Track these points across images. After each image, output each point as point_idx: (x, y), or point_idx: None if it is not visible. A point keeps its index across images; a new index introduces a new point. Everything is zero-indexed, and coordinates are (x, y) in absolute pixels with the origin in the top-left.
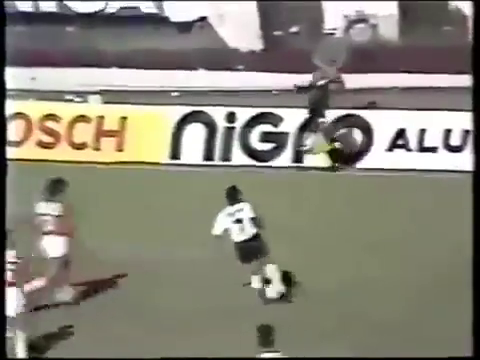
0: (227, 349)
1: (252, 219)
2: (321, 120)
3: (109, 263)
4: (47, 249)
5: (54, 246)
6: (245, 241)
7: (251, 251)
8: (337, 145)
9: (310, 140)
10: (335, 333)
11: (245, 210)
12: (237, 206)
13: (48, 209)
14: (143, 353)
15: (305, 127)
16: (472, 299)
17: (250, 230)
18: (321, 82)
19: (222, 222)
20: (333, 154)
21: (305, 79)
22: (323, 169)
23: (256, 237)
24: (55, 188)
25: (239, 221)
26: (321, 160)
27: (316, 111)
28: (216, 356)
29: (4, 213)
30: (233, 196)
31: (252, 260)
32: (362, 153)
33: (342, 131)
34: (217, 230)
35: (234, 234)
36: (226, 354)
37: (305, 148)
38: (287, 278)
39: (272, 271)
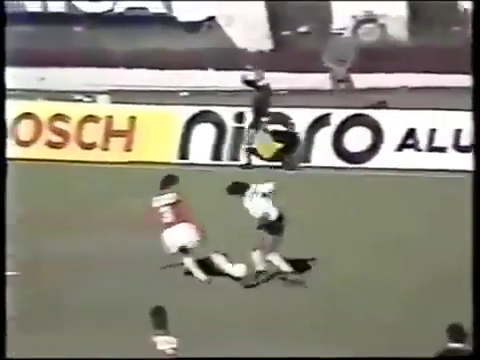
0: (227, 348)
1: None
2: (264, 119)
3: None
4: (171, 241)
5: (179, 235)
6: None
7: (279, 228)
8: (278, 145)
9: (254, 139)
10: (336, 330)
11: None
12: (252, 188)
13: (164, 200)
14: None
15: (253, 125)
16: (472, 299)
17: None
18: (262, 82)
19: (258, 205)
20: (277, 153)
21: (250, 74)
22: (270, 168)
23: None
24: (168, 182)
25: (265, 195)
26: (265, 158)
27: (259, 110)
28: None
29: (4, 213)
30: (237, 190)
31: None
32: (371, 153)
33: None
34: (256, 213)
35: (272, 213)
36: (227, 354)
37: (250, 147)
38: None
39: (277, 260)
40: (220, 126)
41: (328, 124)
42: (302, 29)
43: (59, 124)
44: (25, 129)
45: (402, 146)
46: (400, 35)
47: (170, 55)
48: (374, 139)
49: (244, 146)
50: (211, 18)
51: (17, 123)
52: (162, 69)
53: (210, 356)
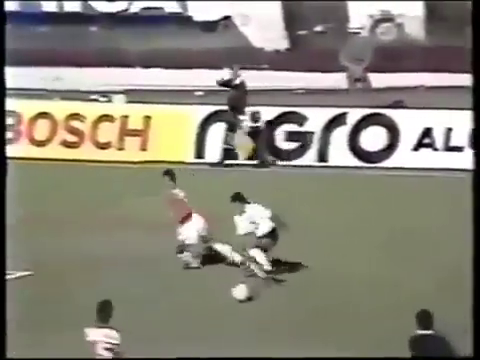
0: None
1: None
2: (241, 118)
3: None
4: (189, 232)
5: (197, 227)
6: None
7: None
8: (252, 144)
9: (232, 138)
10: (342, 329)
11: (258, 211)
12: (249, 207)
13: (181, 193)
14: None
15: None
16: (472, 300)
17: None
18: (237, 81)
19: (243, 225)
20: (254, 152)
21: (225, 75)
22: (250, 166)
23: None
24: (172, 176)
25: (253, 223)
26: (243, 158)
27: (235, 109)
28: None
29: (4, 213)
30: (240, 200)
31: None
32: (388, 152)
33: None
34: (241, 230)
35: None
36: (224, 354)
37: (228, 146)
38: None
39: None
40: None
41: (344, 123)
42: (318, 28)
43: (74, 124)
44: (41, 129)
45: (419, 145)
46: (417, 34)
47: (185, 55)
48: (391, 138)
49: (222, 145)
50: (227, 17)
51: (33, 123)
52: (177, 68)
53: (210, 356)
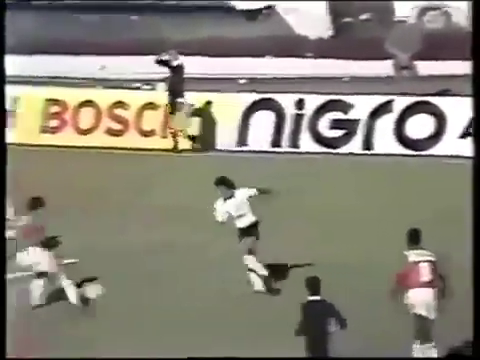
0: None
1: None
2: (179, 100)
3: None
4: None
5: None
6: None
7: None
8: (190, 129)
9: (171, 121)
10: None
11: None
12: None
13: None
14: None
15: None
16: (472, 299)
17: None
18: (175, 63)
19: (222, 209)
20: (191, 137)
21: (165, 54)
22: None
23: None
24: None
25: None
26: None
27: (174, 92)
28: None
29: (4, 212)
30: (226, 184)
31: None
32: (434, 140)
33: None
34: (220, 217)
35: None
36: (223, 349)
37: (169, 130)
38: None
39: (252, 262)
40: (279, 113)
41: (390, 111)
42: (364, 16)
43: (119, 112)
44: (85, 117)
45: (465, 134)
46: (464, 22)
47: (228, 43)
48: (437, 126)
49: (168, 130)
50: (270, 6)
51: (77, 111)
52: (221, 57)
53: (209, 356)
